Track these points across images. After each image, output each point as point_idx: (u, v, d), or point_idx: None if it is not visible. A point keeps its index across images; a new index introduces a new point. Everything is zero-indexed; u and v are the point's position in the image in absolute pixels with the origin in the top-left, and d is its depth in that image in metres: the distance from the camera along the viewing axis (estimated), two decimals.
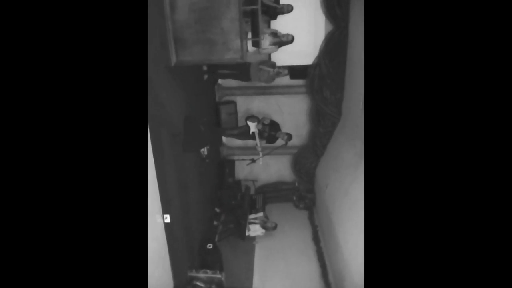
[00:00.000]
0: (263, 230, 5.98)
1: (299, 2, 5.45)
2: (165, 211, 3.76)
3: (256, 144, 5.60)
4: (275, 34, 4.93)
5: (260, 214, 6.24)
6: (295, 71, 6.08)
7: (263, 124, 5.61)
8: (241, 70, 5.34)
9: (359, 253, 3.84)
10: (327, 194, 5.62)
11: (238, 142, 6.78)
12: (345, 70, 5.74)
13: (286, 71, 5.59)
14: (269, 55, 5.85)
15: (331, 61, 5.79)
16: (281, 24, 5.46)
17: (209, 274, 4.61)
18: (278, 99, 6.67)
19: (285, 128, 5.92)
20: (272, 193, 7.06)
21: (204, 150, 5.31)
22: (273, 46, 4.90)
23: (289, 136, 5.54)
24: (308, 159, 6.69)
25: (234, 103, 6.53)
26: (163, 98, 3.92)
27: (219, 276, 4.62)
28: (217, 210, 6.13)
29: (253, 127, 5.56)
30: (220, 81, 6.50)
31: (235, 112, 6.51)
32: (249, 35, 4.35)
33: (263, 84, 6.01)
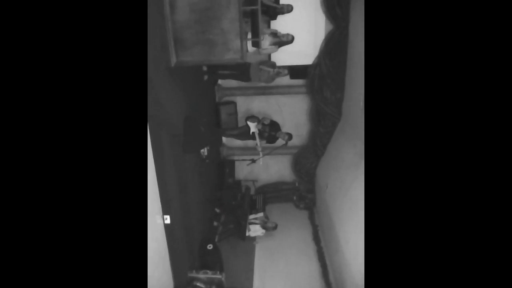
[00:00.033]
0: (264, 231, 5.97)
1: (299, 2, 5.44)
2: (165, 211, 3.75)
3: (256, 144, 5.60)
4: (275, 34, 4.93)
5: (260, 214, 6.24)
6: (295, 71, 6.08)
7: (263, 124, 5.61)
8: (241, 71, 5.34)
9: (359, 253, 3.83)
10: (328, 194, 5.62)
11: (238, 143, 6.78)
12: (345, 70, 5.74)
13: (286, 71, 5.59)
14: (269, 55, 5.85)
15: (331, 61, 5.78)
16: (281, 24, 5.46)
17: (209, 274, 4.61)
18: (278, 99, 6.67)
19: (285, 128, 5.92)
20: (273, 193, 7.06)
21: (204, 151, 5.30)
22: (273, 46, 4.90)
23: (290, 136, 5.54)
24: (309, 159, 6.68)
25: (234, 103, 6.53)
26: (163, 99, 3.92)
27: (219, 276, 4.62)
28: (217, 210, 6.12)
29: (253, 127, 5.55)
30: (220, 81, 6.50)
31: (235, 113, 6.51)
32: (249, 35, 4.35)
33: (263, 84, 6.01)
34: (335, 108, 6.09)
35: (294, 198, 6.98)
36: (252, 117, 5.75)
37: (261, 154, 5.67)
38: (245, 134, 5.72)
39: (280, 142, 5.67)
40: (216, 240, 5.62)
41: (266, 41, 4.79)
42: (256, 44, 4.47)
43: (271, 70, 5.47)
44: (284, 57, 5.79)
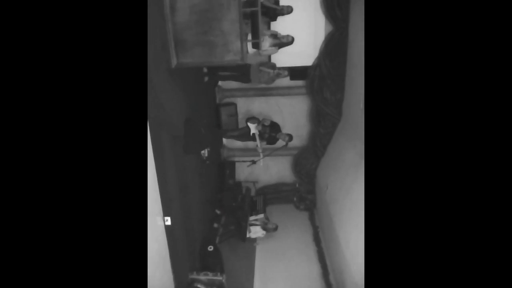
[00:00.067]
0: (264, 232, 5.97)
1: (299, 3, 5.46)
2: (166, 213, 3.75)
3: (257, 146, 5.60)
4: (275, 35, 4.94)
5: (261, 216, 6.23)
6: (295, 72, 6.09)
7: (264, 125, 5.61)
8: (242, 72, 5.35)
9: (360, 254, 3.83)
10: (328, 195, 5.62)
11: (238, 144, 6.78)
12: (345, 70, 5.74)
13: (286, 72, 5.60)
14: (269, 57, 5.86)
15: (331, 61, 5.79)
16: (281, 25, 5.47)
17: (210, 276, 4.61)
18: (278, 100, 6.68)
19: (285, 129, 5.92)
20: (273, 194, 7.06)
21: (205, 152, 5.30)
22: (273, 48, 4.91)
23: (290, 137, 5.54)
24: (309, 160, 6.68)
25: (234, 104, 6.54)
26: (163, 100, 3.92)
27: (220, 278, 4.61)
28: (218, 211, 6.12)
29: (253, 128, 5.56)
30: (220, 82, 6.50)
31: (236, 114, 6.51)
32: (249, 37, 4.36)
33: (263, 85, 6.02)
34: (335, 109, 6.10)
35: (295, 199, 6.98)
36: (252, 118, 5.75)
37: (261, 155, 5.67)
38: (245, 135, 5.72)
39: (280, 143, 5.67)
40: (217, 241, 5.61)
41: (266, 43, 4.80)
42: (256, 45, 4.48)
43: (271, 71, 5.48)
44: (284, 58, 5.80)
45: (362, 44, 4.50)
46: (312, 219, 6.56)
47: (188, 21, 3.76)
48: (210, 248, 5.18)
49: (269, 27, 5.55)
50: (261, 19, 4.20)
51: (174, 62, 3.93)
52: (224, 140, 6.90)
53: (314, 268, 5.48)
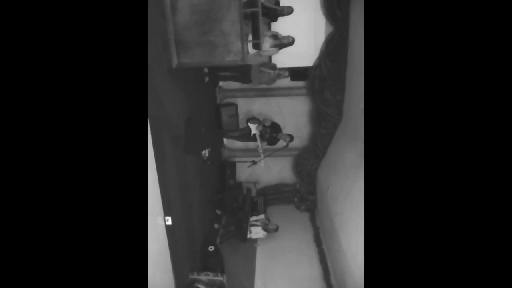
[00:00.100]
0: (265, 232, 5.96)
1: (299, 3, 5.46)
2: (166, 213, 3.75)
3: (257, 146, 5.60)
4: (275, 36, 4.95)
5: (262, 216, 6.23)
6: (296, 73, 6.10)
7: (264, 126, 5.61)
8: (242, 72, 5.36)
9: (361, 254, 3.82)
10: (329, 195, 5.61)
11: (239, 144, 6.78)
12: (346, 71, 5.74)
13: (286, 73, 5.60)
14: (270, 57, 5.86)
15: (331, 62, 5.79)
16: (281, 26, 5.48)
17: (211, 276, 4.61)
18: (279, 100, 6.68)
19: (286, 130, 5.92)
20: (274, 195, 7.05)
21: (205, 152, 5.31)
22: (273, 48, 4.91)
23: (291, 137, 5.55)
24: (309, 160, 6.68)
25: (235, 105, 6.54)
26: (164, 100, 3.93)
27: (220, 278, 4.61)
28: (219, 212, 6.12)
29: (254, 129, 5.56)
30: (221, 83, 6.51)
31: (236, 114, 6.52)
32: (250, 37, 4.37)
33: (264, 86, 6.02)
34: (336, 109, 6.10)
35: (295, 200, 6.97)
36: (253, 119, 5.76)
37: (262, 155, 5.67)
38: (246, 135, 5.72)
39: (281, 143, 5.67)
40: (218, 241, 5.61)
41: (266, 43, 4.80)
42: (256, 46, 4.48)
43: (272, 72, 5.49)
44: (284, 59, 5.80)
45: (363, 44, 4.51)
46: (313, 219, 6.55)
47: (189, 21, 3.77)
48: (211, 248, 5.18)
49: (269, 28, 5.56)
50: (261, 20, 4.20)
51: (175, 62, 3.94)
52: (225, 141, 6.90)
53: (315, 269, 5.47)
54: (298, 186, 7.05)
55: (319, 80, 5.97)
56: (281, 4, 5.29)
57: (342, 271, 4.64)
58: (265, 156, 5.72)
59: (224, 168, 6.59)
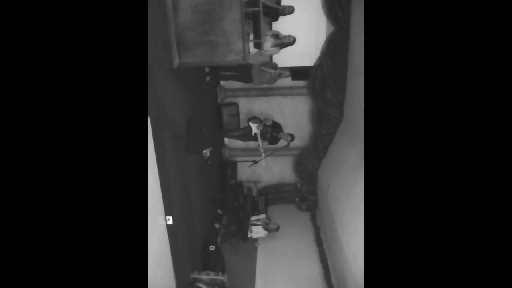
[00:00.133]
0: (266, 232, 5.97)
1: (301, 3, 5.46)
2: (167, 212, 3.76)
3: (258, 145, 5.60)
4: (276, 35, 4.95)
5: (262, 216, 6.23)
6: (297, 72, 6.09)
7: (265, 125, 5.61)
8: (243, 72, 5.35)
9: (361, 254, 3.82)
10: (330, 195, 5.61)
11: (240, 144, 6.78)
12: (347, 71, 5.74)
13: (287, 73, 5.60)
14: (271, 57, 5.86)
15: (332, 62, 5.79)
16: (282, 25, 5.48)
17: (212, 275, 4.61)
18: (280, 100, 6.68)
19: (286, 130, 5.92)
20: (274, 194, 7.06)
21: (207, 152, 5.31)
22: (274, 48, 4.91)
23: (292, 137, 5.55)
24: (310, 160, 6.68)
25: (236, 104, 6.55)
26: (165, 100, 3.93)
27: (221, 277, 4.62)
28: (219, 211, 6.12)
29: (255, 128, 5.56)
30: (222, 82, 6.51)
31: (237, 114, 6.52)
32: (251, 37, 4.37)
33: (265, 85, 6.02)
34: (337, 109, 6.09)
35: (296, 199, 6.97)
36: (254, 118, 5.76)
37: (263, 155, 5.67)
38: (247, 135, 5.72)
39: (282, 143, 5.67)
40: (218, 241, 5.62)
41: (268, 43, 4.80)
42: (258, 45, 4.49)
43: (273, 71, 5.48)
44: (285, 58, 5.80)
45: (364, 44, 4.50)
46: (313, 219, 6.55)
47: (190, 21, 3.77)
48: (212, 247, 5.18)
49: (270, 27, 5.56)
50: (263, 19, 4.20)
51: (176, 62, 3.94)
52: (226, 140, 6.90)
53: (316, 269, 5.47)
54: (299, 185, 7.05)
55: (320, 79, 5.97)
56: (282, 4, 5.29)
57: (343, 270, 4.64)
58: (266, 156, 5.72)
59: (225, 167, 6.60)
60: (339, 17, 5.54)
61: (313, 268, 5.48)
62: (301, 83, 6.35)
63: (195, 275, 4.59)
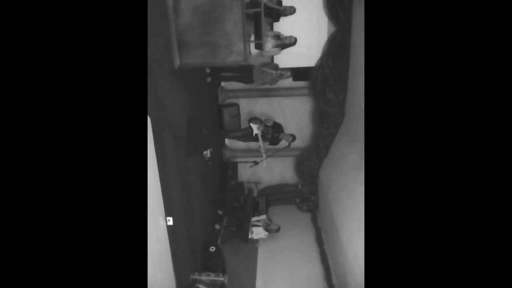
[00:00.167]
0: (266, 233, 5.96)
1: (302, 4, 5.45)
2: (168, 213, 3.76)
3: (259, 146, 5.59)
4: (278, 36, 4.94)
5: (263, 217, 6.22)
6: (298, 73, 6.08)
7: (266, 126, 5.61)
8: (244, 73, 5.35)
9: (362, 255, 3.81)
10: (331, 196, 5.61)
11: (241, 144, 6.78)
12: (348, 71, 5.73)
13: (289, 73, 5.59)
14: (272, 57, 5.86)
15: (334, 62, 5.78)
16: (283, 26, 5.47)
17: (212, 276, 4.61)
18: (281, 101, 6.67)
19: (288, 130, 5.91)
20: (275, 195, 7.05)
21: (207, 152, 5.31)
22: (276, 48, 4.91)
23: (293, 137, 5.54)
24: (311, 161, 6.67)
25: (237, 105, 6.54)
26: (166, 100, 3.93)
27: (221, 278, 4.61)
28: (220, 212, 6.12)
29: (256, 129, 5.56)
30: (223, 83, 6.51)
31: (238, 114, 6.52)
32: (252, 38, 4.37)
33: (266, 86, 6.02)
34: (338, 109, 6.09)
35: (297, 200, 6.96)
36: (255, 119, 5.75)
37: (264, 156, 5.66)
38: (248, 136, 5.72)
39: (283, 144, 5.67)
40: (219, 242, 5.61)
41: (269, 43, 4.80)
42: (259, 46, 4.48)
43: (274, 72, 5.48)
44: (287, 59, 5.80)
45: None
46: (314, 220, 6.54)
47: (191, 22, 3.77)
48: (212, 248, 5.18)
49: (272, 28, 5.56)
50: (264, 20, 4.20)
51: (177, 62, 3.94)
52: (227, 141, 6.90)
53: (317, 269, 5.46)
54: (300, 186, 7.04)
55: (321, 80, 5.96)
56: (283, 4, 5.29)
57: (344, 271, 4.63)
58: (267, 156, 5.71)
59: (225, 168, 6.59)
60: (340, 18, 5.53)
61: (314, 269, 5.47)
62: (302, 83, 6.35)
63: (195, 276, 4.59)
